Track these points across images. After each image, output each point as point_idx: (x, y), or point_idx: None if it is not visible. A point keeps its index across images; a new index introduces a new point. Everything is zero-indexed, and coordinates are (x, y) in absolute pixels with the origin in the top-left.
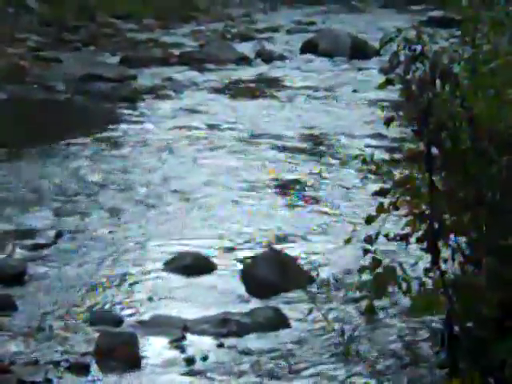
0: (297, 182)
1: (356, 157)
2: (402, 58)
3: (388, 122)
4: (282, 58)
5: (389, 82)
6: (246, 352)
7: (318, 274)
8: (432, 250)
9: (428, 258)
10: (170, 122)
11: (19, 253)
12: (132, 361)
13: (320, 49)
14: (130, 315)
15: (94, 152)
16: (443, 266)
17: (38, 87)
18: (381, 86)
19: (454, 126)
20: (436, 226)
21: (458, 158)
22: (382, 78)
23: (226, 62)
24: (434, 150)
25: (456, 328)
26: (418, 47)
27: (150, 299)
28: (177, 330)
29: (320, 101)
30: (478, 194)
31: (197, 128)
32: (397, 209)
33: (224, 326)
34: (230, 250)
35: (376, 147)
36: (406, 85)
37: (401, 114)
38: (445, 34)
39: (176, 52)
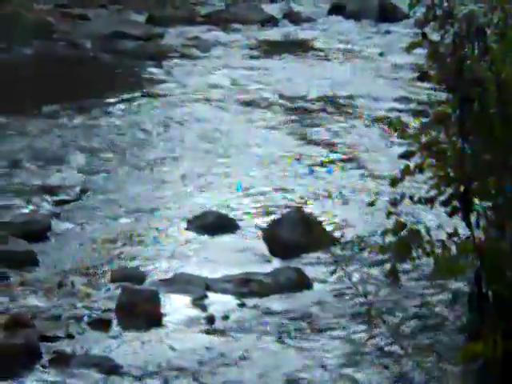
0: (322, 143)
1: (382, 119)
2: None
3: (423, 76)
4: (309, 19)
5: (424, 36)
6: (268, 312)
7: (341, 236)
8: (464, 211)
9: (452, 221)
10: (195, 80)
11: (44, 208)
12: (153, 318)
13: (347, 11)
14: (153, 273)
15: (120, 110)
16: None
17: (65, 44)
18: (411, 47)
19: (482, 89)
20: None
21: (484, 121)
22: (409, 41)
23: (252, 22)
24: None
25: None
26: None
27: (173, 257)
28: (199, 289)
29: (346, 63)
30: (504, 158)
31: (222, 87)
32: (422, 171)
33: (246, 286)
34: (254, 209)
35: (402, 110)
36: (440, 41)
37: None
38: None
39: (203, 12)
